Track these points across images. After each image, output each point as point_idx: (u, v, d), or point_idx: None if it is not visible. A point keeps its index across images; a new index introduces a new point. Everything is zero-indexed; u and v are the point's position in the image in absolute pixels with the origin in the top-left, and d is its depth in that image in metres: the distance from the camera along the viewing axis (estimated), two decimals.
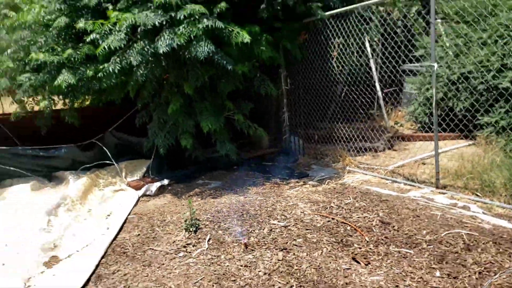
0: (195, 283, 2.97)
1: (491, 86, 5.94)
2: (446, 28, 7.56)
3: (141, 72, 4.89)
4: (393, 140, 6.88)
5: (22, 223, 4.58)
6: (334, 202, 4.40)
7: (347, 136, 6.38)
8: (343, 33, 5.86)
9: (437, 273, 2.85)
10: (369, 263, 3.08)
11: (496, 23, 6.09)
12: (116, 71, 4.82)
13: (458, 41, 6.77)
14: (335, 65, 6.79)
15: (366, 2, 5.26)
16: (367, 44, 7.87)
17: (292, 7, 5.25)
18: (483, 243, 3.15)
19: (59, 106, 6.28)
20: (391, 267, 3.00)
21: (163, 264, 3.36)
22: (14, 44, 5.66)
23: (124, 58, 4.79)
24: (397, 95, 8.34)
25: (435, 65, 4.34)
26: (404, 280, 2.80)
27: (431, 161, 5.60)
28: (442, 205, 4.09)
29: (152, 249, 3.68)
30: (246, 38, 4.77)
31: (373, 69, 7.86)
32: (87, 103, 7.22)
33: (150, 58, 4.81)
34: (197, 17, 4.70)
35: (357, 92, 7.17)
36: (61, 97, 6.08)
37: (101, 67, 4.89)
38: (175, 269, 3.24)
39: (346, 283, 2.82)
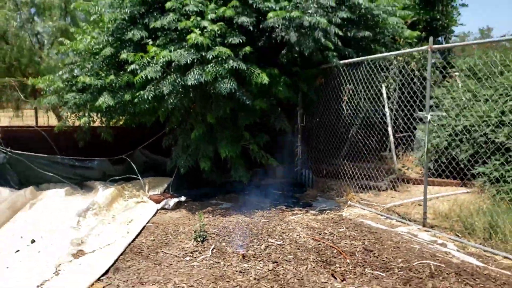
0: (195, 280, 3.54)
1: (489, 140, 6.40)
2: (459, 81, 8.12)
3: (171, 100, 5.65)
4: (398, 181, 7.34)
5: (56, 221, 5.30)
6: (328, 230, 4.93)
7: (354, 174, 6.89)
8: (357, 79, 6.47)
9: None
10: (344, 280, 3.58)
11: (500, 82, 6.60)
12: (150, 98, 5.59)
13: (466, 95, 7.29)
14: (346, 108, 7.38)
15: (375, 56, 5.92)
16: (384, 91, 8.50)
17: (308, 56, 5.94)
18: (446, 273, 3.61)
19: (97, 123, 7.10)
20: (362, 284, 3.49)
21: (171, 264, 3.95)
22: (65, 67, 6.57)
23: (158, 87, 5.56)
24: (411, 141, 8.82)
25: (429, 116, 4.90)
26: None
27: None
28: (423, 240, 4.55)
29: (164, 252, 4.28)
30: (265, 80, 5.49)
31: (387, 114, 8.45)
32: (121, 123, 8.05)
33: (180, 89, 5.57)
34: (224, 57, 5.45)
35: (370, 135, 7.72)
36: (99, 115, 6.90)
37: (137, 93, 5.68)
38: (180, 268, 3.83)
39: None
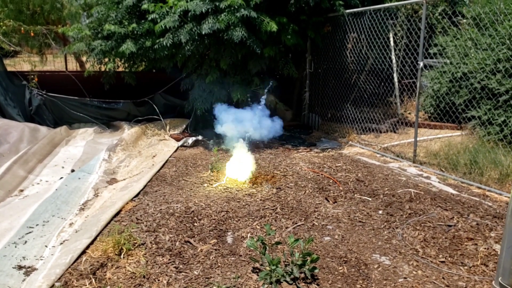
0: (212, 200, 4.29)
1: (485, 86, 6.83)
2: (463, 30, 8.36)
3: (188, 47, 6.18)
4: (398, 124, 7.89)
5: (89, 155, 6.07)
6: (327, 164, 5.60)
7: (357, 117, 7.44)
8: (363, 28, 6.83)
9: (380, 212, 4.03)
10: (336, 202, 4.29)
11: (498, 31, 6.90)
12: (169, 45, 6.14)
13: (468, 43, 7.61)
14: (352, 55, 7.78)
15: (377, 6, 6.27)
16: (391, 39, 8.81)
17: (314, 5, 6.32)
18: (423, 199, 4.28)
19: (120, 68, 7.69)
20: (350, 206, 4.20)
21: (191, 189, 4.70)
22: (91, 17, 7.08)
23: (176, 35, 6.09)
24: (415, 87, 9.21)
25: (421, 63, 5.37)
26: (355, 213, 4.00)
27: (421, 143, 6.62)
28: (410, 174, 5.21)
29: (185, 180, 5.03)
30: (274, 28, 5.95)
31: (393, 61, 8.81)
32: (141, 68, 8.63)
33: (196, 37, 6.08)
34: (236, 7, 5.89)
35: (376, 82, 8.16)
36: (122, 61, 7.47)
37: (157, 40, 6.22)
38: (199, 192, 4.58)
39: (314, 211, 4.05)
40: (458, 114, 6.81)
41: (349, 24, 7.01)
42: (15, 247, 3.28)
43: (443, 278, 2.91)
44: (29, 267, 2.98)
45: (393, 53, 8.88)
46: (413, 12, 9.49)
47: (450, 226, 3.67)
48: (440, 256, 3.20)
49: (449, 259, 3.16)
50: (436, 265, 3.08)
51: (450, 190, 4.61)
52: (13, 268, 2.94)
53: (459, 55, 7.64)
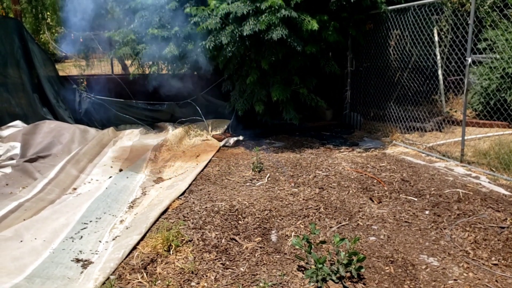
0: (255, 199, 4.35)
1: None
2: None
3: (229, 49, 6.28)
4: (444, 123, 7.65)
5: (136, 155, 6.29)
6: (370, 164, 5.52)
7: (400, 116, 7.27)
8: (406, 24, 6.66)
9: (427, 212, 3.94)
10: (381, 202, 4.23)
11: None
12: (211, 47, 6.26)
13: None
14: (395, 52, 7.62)
15: (421, 1, 6.09)
16: (436, 34, 8.55)
17: (355, 2, 6.24)
18: (473, 199, 4.14)
19: (164, 71, 7.91)
20: (395, 206, 4.13)
21: (234, 188, 4.78)
22: (134, 22, 7.34)
23: (217, 37, 6.20)
24: (463, 84, 8.88)
25: (469, 59, 5.18)
26: (401, 213, 3.93)
27: (469, 142, 6.39)
28: (457, 174, 5.04)
29: (228, 179, 5.12)
30: (315, 26, 5.94)
31: (438, 57, 8.55)
32: (183, 70, 8.84)
33: (237, 39, 6.16)
34: (276, 7, 5.92)
35: (420, 79, 7.94)
36: (166, 63, 7.69)
37: (199, 43, 6.35)
38: (242, 191, 4.65)
39: (359, 211, 4.02)
40: (510, 112, 6.51)
41: (392, 20, 6.87)
42: (72, 241, 3.47)
43: (496, 281, 2.82)
44: (85, 260, 3.14)
45: (437, 49, 8.62)
46: (460, 5, 9.16)
47: (503, 228, 3.53)
48: (493, 258, 3.09)
49: (502, 262, 3.04)
50: (488, 268, 2.97)
51: (502, 190, 4.42)
52: (71, 260, 3.12)
53: (511, 50, 7.31)
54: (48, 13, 12.08)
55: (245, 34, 5.94)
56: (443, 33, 8.93)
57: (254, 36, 6.23)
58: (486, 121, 7.63)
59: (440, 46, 8.72)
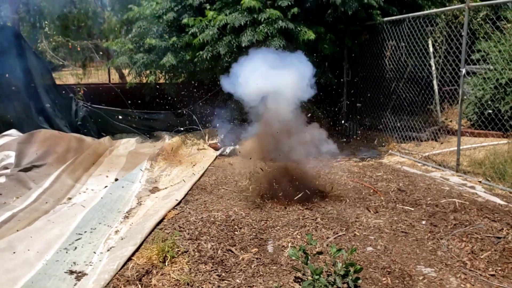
0: (251, 209, 4.33)
1: None
2: (507, 34, 8.07)
3: (226, 59, 6.30)
4: (439, 133, 7.68)
5: (132, 164, 6.27)
6: (367, 174, 5.53)
7: (396, 126, 7.29)
8: (401, 36, 6.72)
9: (423, 222, 3.93)
10: (377, 212, 4.22)
11: None
12: (208, 57, 6.29)
13: None
14: (390, 63, 7.67)
15: (416, 13, 6.17)
16: (430, 45, 8.62)
17: (352, 14, 6.30)
18: (469, 209, 4.14)
19: (161, 80, 7.92)
20: (392, 216, 4.12)
21: (231, 197, 4.76)
22: (132, 31, 7.37)
23: (215, 48, 6.23)
24: (457, 94, 8.94)
25: (463, 70, 5.23)
26: (397, 224, 3.93)
27: (465, 152, 6.41)
28: (453, 183, 5.05)
29: (224, 188, 5.11)
30: (311, 36, 5.99)
31: (433, 68, 8.61)
32: (181, 79, 8.86)
33: (234, 49, 6.19)
34: (274, 18, 5.98)
35: (415, 89, 7.98)
36: (163, 73, 7.70)
37: (197, 53, 6.38)
38: (239, 200, 4.63)
39: (355, 221, 4.01)
40: (505, 122, 6.55)
41: (387, 31, 6.93)
42: (66, 252, 3.43)
43: None
44: (79, 272, 3.11)
45: (432, 60, 8.69)
46: (453, 17, 9.26)
47: (499, 238, 3.53)
48: (490, 269, 3.08)
49: (500, 272, 3.04)
50: (485, 279, 2.97)
51: (498, 200, 4.43)
52: (65, 272, 3.08)
53: (504, 61, 7.37)
54: (46, 22, 12.11)
55: (243, 45, 5.98)
56: (437, 44, 9.01)
57: (251, 47, 6.25)
58: (481, 130, 7.66)
59: (434, 57, 8.79)
